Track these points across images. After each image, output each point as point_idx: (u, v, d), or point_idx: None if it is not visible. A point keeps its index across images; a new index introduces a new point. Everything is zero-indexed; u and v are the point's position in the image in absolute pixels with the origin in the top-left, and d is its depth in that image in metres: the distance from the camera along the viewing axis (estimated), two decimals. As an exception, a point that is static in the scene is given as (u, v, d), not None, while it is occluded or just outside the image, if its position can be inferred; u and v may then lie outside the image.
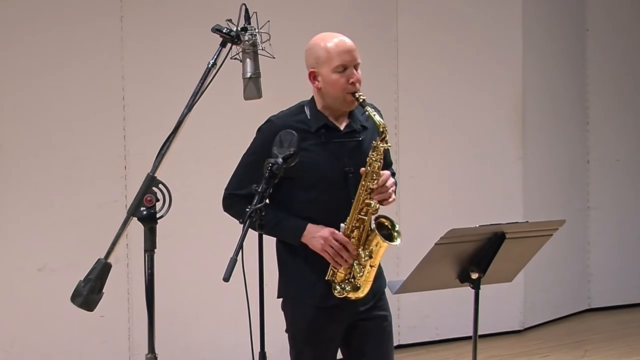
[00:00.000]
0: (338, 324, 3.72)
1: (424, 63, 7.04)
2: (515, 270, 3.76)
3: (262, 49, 3.50)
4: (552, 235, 3.70)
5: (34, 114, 5.96)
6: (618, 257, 8.12)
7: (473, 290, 3.61)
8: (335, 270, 3.64)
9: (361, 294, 3.65)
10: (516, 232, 3.57)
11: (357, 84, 3.63)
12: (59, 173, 6.00)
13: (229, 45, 3.47)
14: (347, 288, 3.63)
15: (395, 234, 3.63)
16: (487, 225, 3.53)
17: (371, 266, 3.62)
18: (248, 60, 3.49)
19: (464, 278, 3.60)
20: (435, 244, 3.44)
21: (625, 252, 8.16)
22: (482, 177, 7.22)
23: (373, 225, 3.61)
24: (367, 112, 3.61)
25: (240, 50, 3.48)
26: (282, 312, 3.77)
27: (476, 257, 3.56)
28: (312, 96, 3.71)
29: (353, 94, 3.62)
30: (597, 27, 7.99)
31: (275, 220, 3.62)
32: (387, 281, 3.75)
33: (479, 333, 3.70)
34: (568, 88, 7.83)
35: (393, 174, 3.74)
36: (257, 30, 3.49)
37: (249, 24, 3.48)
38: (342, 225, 3.62)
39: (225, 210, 3.74)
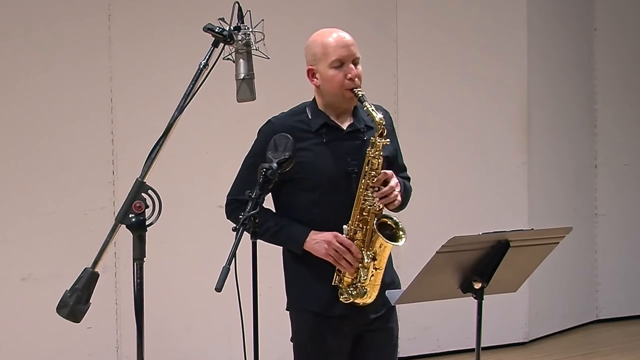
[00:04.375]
0: (344, 335, 3.68)
1: (424, 63, 7.04)
2: (520, 280, 3.72)
3: (256, 49, 3.48)
4: (558, 243, 3.66)
5: (19, 116, 5.94)
6: (627, 266, 8.10)
7: (476, 300, 3.56)
8: (342, 275, 3.59)
9: (368, 299, 3.61)
10: (521, 240, 3.53)
11: (357, 80, 3.58)
12: (44, 178, 5.98)
13: (221, 45, 3.44)
14: (353, 293, 3.59)
15: (400, 232, 3.60)
16: (491, 232, 3.49)
17: (375, 268, 3.59)
18: (241, 60, 3.46)
19: (466, 288, 3.56)
20: (437, 252, 3.39)
21: (635, 260, 8.14)
22: (485, 183, 7.20)
23: (375, 226, 3.57)
24: (366, 108, 3.55)
25: (233, 50, 3.46)
26: (280, 323, 3.77)
27: (479, 266, 3.52)
28: (314, 96, 3.68)
29: (352, 90, 3.56)
30: (606, 26, 7.98)
31: (277, 227, 3.60)
32: (386, 291, 3.67)
33: (482, 345, 3.66)
34: (575, 90, 7.83)
35: (408, 179, 3.77)
36: (250, 30, 3.46)
37: (243, 23, 3.45)
38: (345, 227, 3.58)
39: (227, 218, 3.71)
